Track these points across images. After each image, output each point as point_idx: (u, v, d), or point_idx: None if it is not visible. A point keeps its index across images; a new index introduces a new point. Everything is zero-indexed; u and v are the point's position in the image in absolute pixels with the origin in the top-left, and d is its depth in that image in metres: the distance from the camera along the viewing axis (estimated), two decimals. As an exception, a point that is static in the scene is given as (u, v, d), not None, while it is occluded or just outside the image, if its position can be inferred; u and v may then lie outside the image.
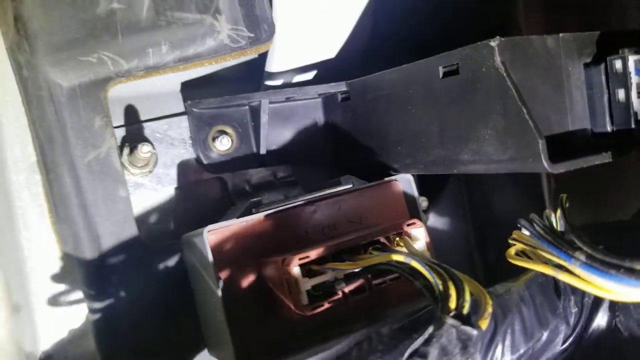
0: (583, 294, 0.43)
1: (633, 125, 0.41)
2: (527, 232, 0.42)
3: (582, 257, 0.35)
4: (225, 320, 0.47)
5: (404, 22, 0.67)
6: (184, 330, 0.57)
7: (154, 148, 0.57)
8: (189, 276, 0.55)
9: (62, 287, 0.54)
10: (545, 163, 0.38)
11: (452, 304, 0.35)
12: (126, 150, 0.55)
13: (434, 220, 0.77)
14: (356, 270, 0.45)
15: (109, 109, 0.52)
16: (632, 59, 0.41)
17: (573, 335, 0.42)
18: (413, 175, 0.55)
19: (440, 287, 0.36)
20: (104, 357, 0.53)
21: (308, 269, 0.45)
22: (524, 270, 0.46)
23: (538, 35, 0.42)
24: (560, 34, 0.42)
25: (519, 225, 0.43)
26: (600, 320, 0.42)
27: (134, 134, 0.58)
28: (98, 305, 0.53)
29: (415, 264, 0.39)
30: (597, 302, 0.43)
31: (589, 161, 0.40)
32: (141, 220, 0.57)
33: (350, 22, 0.62)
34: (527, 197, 0.73)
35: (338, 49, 0.64)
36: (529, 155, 0.39)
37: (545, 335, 0.42)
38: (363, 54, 0.66)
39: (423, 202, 0.64)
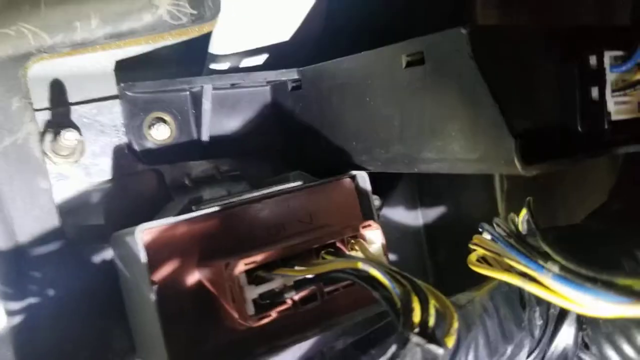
0: (548, 305, 0.41)
1: (606, 126, 0.40)
2: (489, 237, 0.40)
3: (555, 268, 0.33)
4: (160, 329, 0.44)
5: (360, 6, 0.66)
6: (112, 337, 0.55)
7: (80, 135, 0.54)
8: (120, 278, 0.52)
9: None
10: (518, 164, 0.36)
11: (416, 318, 0.32)
12: (49, 137, 0.52)
13: (384, 219, 0.77)
14: (308, 277, 0.42)
15: (29, 90, 0.49)
16: (607, 55, 0.39)
17: (537, 349, 0.41)
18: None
19: (402, 299, 0.34)
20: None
21: (255, 275, 0.42)
22: (475, 273, 0.44)
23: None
24: (535, 26, 0.40)
25: (480, 230, 0.41)
26: (566, 333, 0.41)
27: (59, 118, 0.55)
28: (16, 310, 0.50)
29: (374, 272, 0.36)
30: (563, 314, 0.41)
31: (562, 163, 0.38)
32: (66, 215, 0.54)
33: (303, 2, 0.60)
34: (478, 197, 0.73)
35: (289, 32, 0.63)
36: (501, 155, 0.37)
37: (509, 349, 0.40)
38: (317, 39, 0.65)
39: (376, 201, 0.62)
